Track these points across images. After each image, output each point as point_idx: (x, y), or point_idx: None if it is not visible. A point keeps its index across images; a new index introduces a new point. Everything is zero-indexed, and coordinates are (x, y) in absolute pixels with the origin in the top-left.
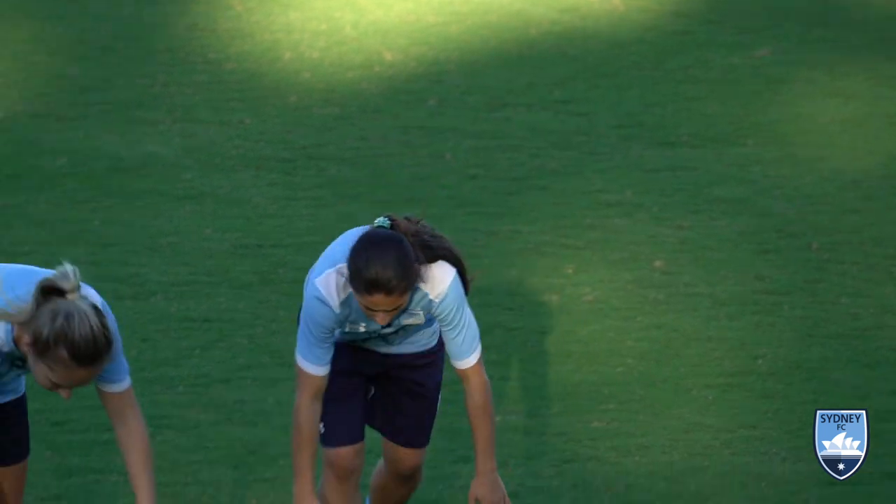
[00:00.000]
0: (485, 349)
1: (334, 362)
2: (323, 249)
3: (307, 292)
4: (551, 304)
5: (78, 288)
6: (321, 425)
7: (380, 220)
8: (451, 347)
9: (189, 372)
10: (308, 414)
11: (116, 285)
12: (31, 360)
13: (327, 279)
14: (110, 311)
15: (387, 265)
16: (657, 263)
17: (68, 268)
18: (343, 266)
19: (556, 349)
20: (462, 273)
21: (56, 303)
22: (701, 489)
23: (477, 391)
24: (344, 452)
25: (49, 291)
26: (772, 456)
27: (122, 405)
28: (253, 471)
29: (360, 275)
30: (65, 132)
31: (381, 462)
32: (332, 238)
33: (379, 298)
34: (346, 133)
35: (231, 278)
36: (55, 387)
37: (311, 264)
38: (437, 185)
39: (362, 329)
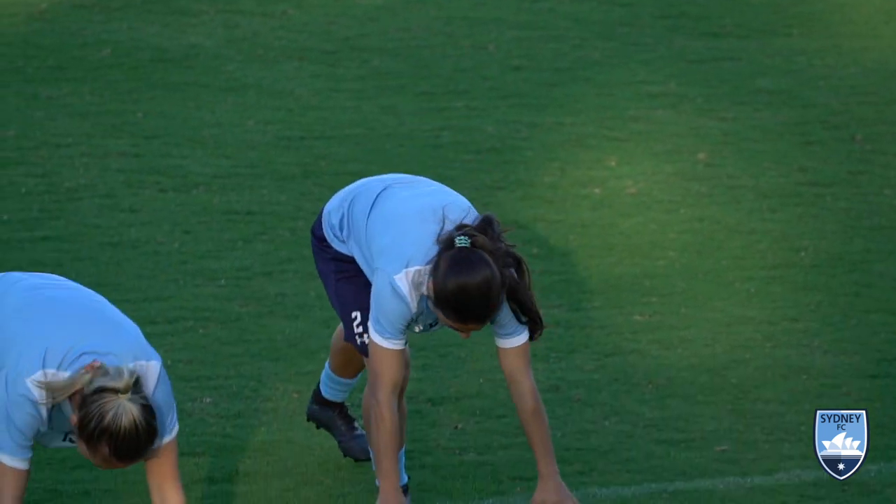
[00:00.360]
0: (527, 242)
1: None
2: (364, 143)
3: (380, 279)
4: (593, 197)
5: (131, 388)
6: (365, 336)
7: (461, 241)
8: (497, 334)
9: (231, 265)
10: (391, 410)
11: (159, 177)
12: (76, 436)
13: (406, 280)
14: (167, 380)
15: (483, 298)
16: (700, 155)
17: (125, 368)
18: (421, 270)
19: (598, 242)
20: (531, 309)
21: (107, 398)
22: (742, 382)
23: (528, 394)
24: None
25: (103, 390)
26: (813, 349)
27: (162, 472)
28: (294, 364)
29: (455, 306)
30: (108, 23)
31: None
32: (375, 131)
33: (472, 326)
34: (388, 24)
35: (273, 170)
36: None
37: (355, 156)
38: (480, 76)
39: (417, 330)
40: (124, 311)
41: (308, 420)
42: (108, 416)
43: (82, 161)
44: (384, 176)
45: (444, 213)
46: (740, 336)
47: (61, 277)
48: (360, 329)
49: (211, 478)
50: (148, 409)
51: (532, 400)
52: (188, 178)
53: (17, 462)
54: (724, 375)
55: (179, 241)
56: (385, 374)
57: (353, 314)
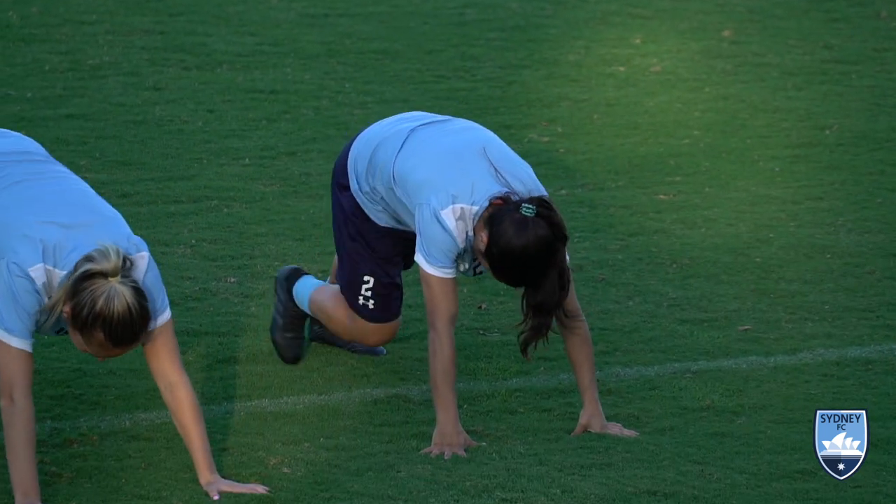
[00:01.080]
0: (551, 121)
1: (389, 249)
2: (389, 20)
3: (426, 213)
4: (618, 76)
5: (120, 269)
6: (371, 302)
7: (528, 210)
8: None
9: (255, 144)
10: (450, 340)
11: (183, 55)
12: (68, 326)
13: (453, 216)
14: (156, 266)
15: (538, 268)
16: (726, 33)
17: (110, 248)
18: (465, 208)
19: (623, 121)
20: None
21: (98, 283)
22: (766, 261)
23: (579, 325)
24: (391, 327)
25: (92, 275)
26: (837, 227)
27: (160, 356)
28: (318, 244)
29: (508, 265)
30: None
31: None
32: (399, 8)
33: (512, 285)
34: None
35: (298, 49)
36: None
37: (379, 34)
38: None
39: (462, 269)
40: (148, 190)
41: (311, 340)
42: (101, 301)
43: (106, 38)
44: (406, 117)
45: (485, 151)
46: (764, 215)
47: (41, 157)
48: (370, 293)
49: (235, 357)
50: (139, 292)
51: (580, 328)
52: (212, 56)
53: (26, 345)
54: (747, 255)
55: (203, 120)
56: (441, 304)
57: (366, 278)
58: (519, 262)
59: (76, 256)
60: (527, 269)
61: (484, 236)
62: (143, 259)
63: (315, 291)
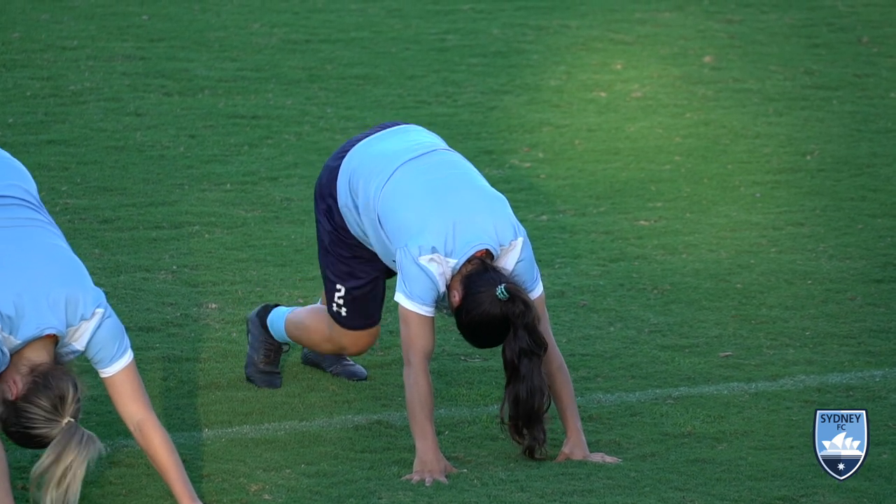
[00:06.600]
0: (532, 147)
1: (367, 272)
2: (370, 46)
3: (408, 258)
4: (599, 101)
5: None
6: (343, 310)
7: (502, 293)
8: None
9: (237, 169)
10: (425, 374)
11: (164, 81)
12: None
13: (433, 263)
14: (111, 316)
15: (497, 340)
16: (707, 58)
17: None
18: (445, 258)
19: (604, 147)
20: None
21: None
22: (747, 287)
23: (552, 352)
24: (366, 334)
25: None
26: (818, 253)
27: (126, 401)
28: (299, 269)
29: (471, 330)
30: None
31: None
32: (381, 34)
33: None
34: None
35: (279, 74)
36: None
37: (360, 60)
38: None
39: (443, 311)
40: (129, 216)
41: (304, 363)
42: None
43: (88, 64)
44: (394, 151)
45: (462, 192)
46: (745, 241)
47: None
48: (341, 301)
49: (216, 383)
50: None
51: (554, 355)
52: (193, 81)
53: None
54: (728, 281)
55: (185, 146)
56: (418, 341)
57: (338, 286)
58: (480, 332)
59: (30, 330)
60: (486, 339)
61: (457, 295)
62: (96, 316)
63: (291, 313)
